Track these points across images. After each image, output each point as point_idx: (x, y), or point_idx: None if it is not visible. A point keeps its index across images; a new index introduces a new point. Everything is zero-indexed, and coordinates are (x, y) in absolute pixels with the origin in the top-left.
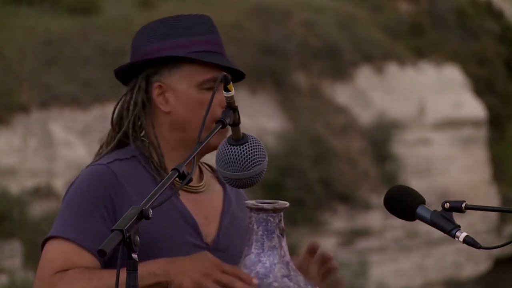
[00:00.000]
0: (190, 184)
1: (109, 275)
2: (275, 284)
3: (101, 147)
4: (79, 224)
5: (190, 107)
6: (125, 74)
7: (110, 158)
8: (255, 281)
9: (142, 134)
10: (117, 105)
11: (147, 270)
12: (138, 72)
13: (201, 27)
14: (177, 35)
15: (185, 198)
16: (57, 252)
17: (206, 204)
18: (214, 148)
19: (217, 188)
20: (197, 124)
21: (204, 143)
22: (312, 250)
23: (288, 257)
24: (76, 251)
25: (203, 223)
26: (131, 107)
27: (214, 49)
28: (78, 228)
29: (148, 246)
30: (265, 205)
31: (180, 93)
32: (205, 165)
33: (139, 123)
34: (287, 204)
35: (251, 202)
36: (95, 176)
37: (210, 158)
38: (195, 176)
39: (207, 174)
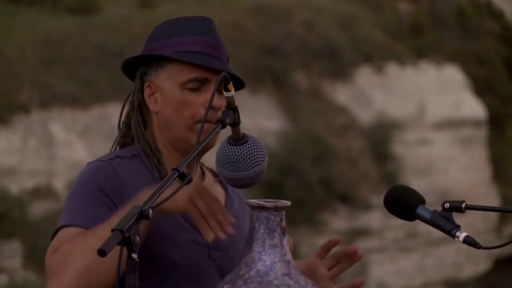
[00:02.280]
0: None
1: (103, 226)
2: (276, 282)
3: (111, 148)
4: (84, 210)
5: (174, 107)
6: (129, 74)
7: (111, 156)
8: (232, 218)
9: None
10: (123, 105)
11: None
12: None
13: (197, 28)
14: (170, 36)
15: None
16: (62, 236)
17: None
18: (194, 146)
19: (219, 190)
20: (180, 124)
21: (204, 143)
22: (332, 244)
23: (289, 256)
24: (81, 233)
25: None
26: (130, 107)
27: (203, 50)
28: (82, 214)
29: (149, 243)
30: (266, 204)
31: (165, 93)
32: (208, 169)
33: (141, 122)
34: (288, 203)
35: (252, 200)
36: (96, 171)
37: (209, 158)
38: (196, 177)
39: (209, 177)
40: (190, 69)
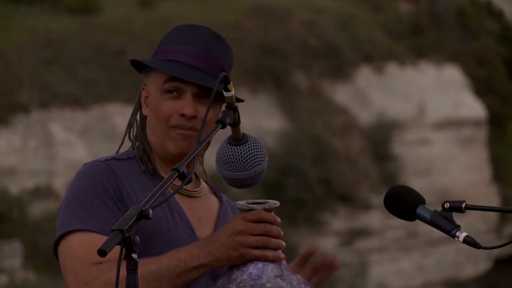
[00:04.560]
0: (186, 188)
1: (148, 262)
2: (268, 284)
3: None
4: (96, 214)
5: (154, 112)
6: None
7: (108, 157)
8: (278, 220)
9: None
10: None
11: (189, 253)
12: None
13: (190, 37)
14: (168, 42)
15: (180, 200)
16: (85, 245)
17: (200, 209)
18: (171, 155)
19: (213, 199)
20: (159, 129)
21: (204, 143)
22: (309, 254)
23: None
24: (103, 240)
25: (197, 225)
26: (134, 108)
27: (183, 60)
28: (96, 218)
29: (145, 238)
30: (255, 206)
31: (151, 98)
32: (203, 180)
33: (140, 122)
34: (277, 203)
35: (241, 203)
36: (96, 171)
37: (210, 159)
38: (192, 181)
39: (203, 185)
40: (166, 75)
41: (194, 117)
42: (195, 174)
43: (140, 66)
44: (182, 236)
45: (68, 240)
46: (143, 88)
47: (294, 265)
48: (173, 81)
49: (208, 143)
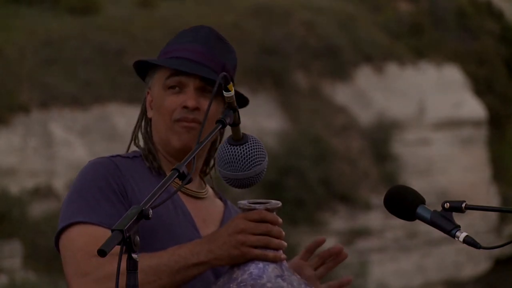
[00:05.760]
0: (191, 188)
1: (149, 256)
2: (269, 284)
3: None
4: (98, 208)
5: (157, 109)
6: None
7: (113, 155)
8: (280, 220)
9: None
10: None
11: (190, 250)
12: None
13: (191, 37)
14: (172, 44)
15: (185, 199)
16: (86, 237)
17: (205, 210)
18: (175, 149)
19: (218, 202)
20: (162, 124)
21: (204, 143)
22: (317, 245)
23: None
24: (103, 233)
25: (201, 225)
26: (140, 112)
27: (184, 55)
28: (98, 211)
29: (148, 234)
30: (257, 206)
31: (154, 97)
32: (209, 186)
33: (144, 126)
34: (279, 204)
35: (243, 202)
36: (99, 166)
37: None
38: (196, 182)
39: (209, 189)
40: (168, 71)
41: (196, 109)
42: (201, 177)
43: (142, 72)
44: (185, 233)
45: (70, 232)
46: (148, 93)
47: (300, 256)
48: (175, 75)
49: (215, 149)
